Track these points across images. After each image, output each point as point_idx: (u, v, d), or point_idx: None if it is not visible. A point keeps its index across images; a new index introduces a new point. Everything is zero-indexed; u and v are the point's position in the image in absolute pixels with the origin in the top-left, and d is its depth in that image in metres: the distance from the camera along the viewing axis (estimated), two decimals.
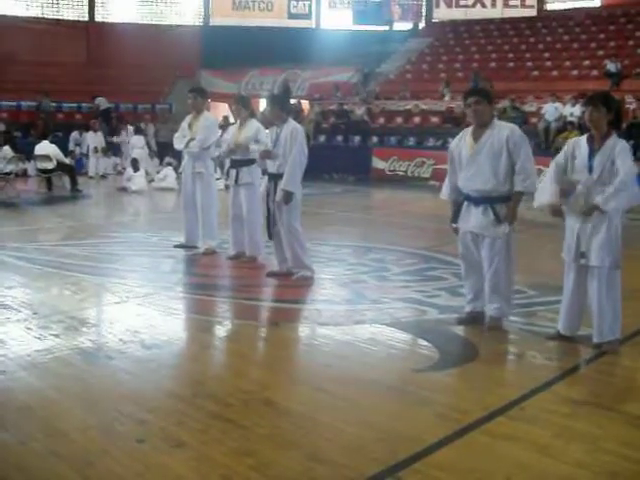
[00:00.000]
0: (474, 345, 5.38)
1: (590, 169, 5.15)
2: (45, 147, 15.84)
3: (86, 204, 15.13)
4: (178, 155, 11.12)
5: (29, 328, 5.61)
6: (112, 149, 21.07)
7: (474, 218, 5.71)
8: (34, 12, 29.43)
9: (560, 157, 5.37)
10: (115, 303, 6.57)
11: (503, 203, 5.62)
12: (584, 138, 5.30)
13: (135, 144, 19.49)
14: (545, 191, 5.38)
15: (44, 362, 4.86)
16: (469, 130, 5.81)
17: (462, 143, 5.83)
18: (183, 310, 6.56)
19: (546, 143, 18.47)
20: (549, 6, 28.74)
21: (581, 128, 16.82)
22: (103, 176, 19.87)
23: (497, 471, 3.47)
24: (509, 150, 5.53)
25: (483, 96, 5.71)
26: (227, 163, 8.72)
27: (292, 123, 7.37)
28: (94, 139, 19.93)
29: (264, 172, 7.59)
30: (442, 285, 7.27)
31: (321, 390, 4.49)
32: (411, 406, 4.25)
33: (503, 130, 5.61)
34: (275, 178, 7.27)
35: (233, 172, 8.33)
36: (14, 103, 24.97)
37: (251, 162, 8.16)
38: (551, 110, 19.09)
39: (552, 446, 3.72)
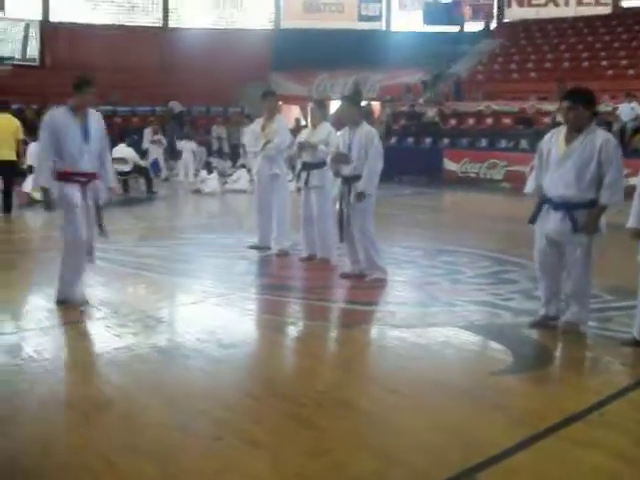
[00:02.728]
0: (549, 349, 5.33)
1: None
2: (121, 150, 16.21)
3: (161, 206, 15.44)
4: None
5: (109, 326, 5.77)
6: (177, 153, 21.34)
7: (553, 223, 5.62)
8: (110, 19, 30.17)
9: None
10: (191, 303, 6.70)
11: (584, 210, 5.51)
12: None
13: (183, 148, 20.01)
14: (631, 214, 5.32)
15: (124, 359, 4.99)
16: (563, 130, 5.65)
17: (553, 142, 5.67)
18: (257, 311, 6.65)
19: (622, 144, 18.03)
20: (625, 3, 28.05)
21: None
22: (166, 179, 20.17)
23: (574, 477, 3.44)
24: (600, 160, 5.38)
25: (578, 100, 5.52)
26: (298, 165, 8.79)
27: (366, 126, 7.40)
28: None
29: (336, 175, 7.62)
30: (516, 288, 7.20)
31: (395, 392, 4.51)
32: (486, 410, 4.23)
33: (597, 138, 5.44)
34: (349, 181, 7.31)
35: (304, 174, 8.40)
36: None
37: (322, 165, 8.21)
38: (627, 110, 18.64)
39: (631, 453, 3.66)
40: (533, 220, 5.85)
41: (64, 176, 6.20)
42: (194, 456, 3.59)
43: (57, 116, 6.28)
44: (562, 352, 5.25)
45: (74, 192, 6.20)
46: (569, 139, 5.54)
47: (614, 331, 5.77)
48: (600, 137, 5.47)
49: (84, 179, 6.28)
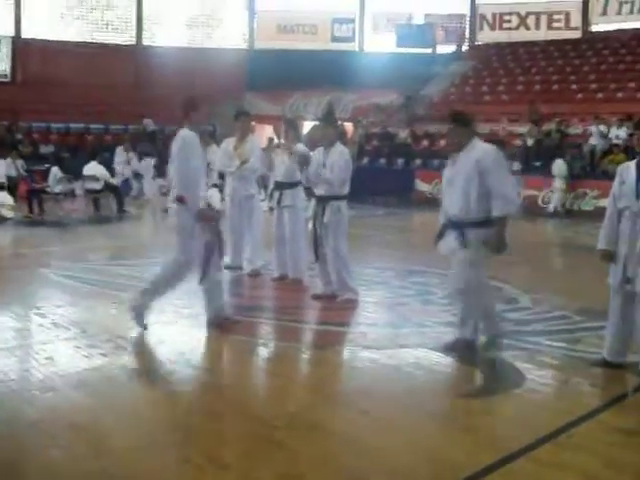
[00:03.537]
0: (519, 371, 5.34)
1: (637, 195, 5.10)
2: (93, 168, 16.12)
3: (132, 225, 15.35)
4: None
5: (78, 347, 5.72)
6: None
7: (447, 242, 5.69)
8: (83, 37, 30.06)
9: (614, 189, 5.34)
10: (161, 323, 6.64)
11: (474, 228, 5.50)
12: (634, 163, 5.26)
13: (145, 165, 20.19)
14: (601, 235, 5.38)
15: (93, 381, 4.94)
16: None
17: (447, 166, 5.84)
18: (229, 331, 6.61)
19: (592, 166, 18.30)
20: (594, 28, 28.51)
21: (627, 150, 16.68)
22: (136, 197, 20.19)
23: None
24: (480, 174, 5.42)
25: (454, 120, 5.70)
26: (271, 185, 8.79)
27: (340, 146, 7.46)
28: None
29: (310, 195, 7.63)
30: None
31: (366, 413, 4.50)
32: (456, 431, 4.24)
33: (476, 153, 5.51)
34: (323, 201, 7.33)
35: (276, 194, 8.41)
36: (63, 125, 25.48)
37: (295, 184, 8.23)
38: (596, 133, 18.92)
39: (601, 476, 3.68)
40: (436, 242, 5.86)
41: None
42: (163, 479, 3.55)
43: (191, 138, 6.29)
44: (532, 373, 5.26)
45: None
46: (453, 161, 5.68)
47: (583, 352, 5.82)
48: (479, 151, 5.55)
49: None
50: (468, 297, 5.66)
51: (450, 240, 5.63)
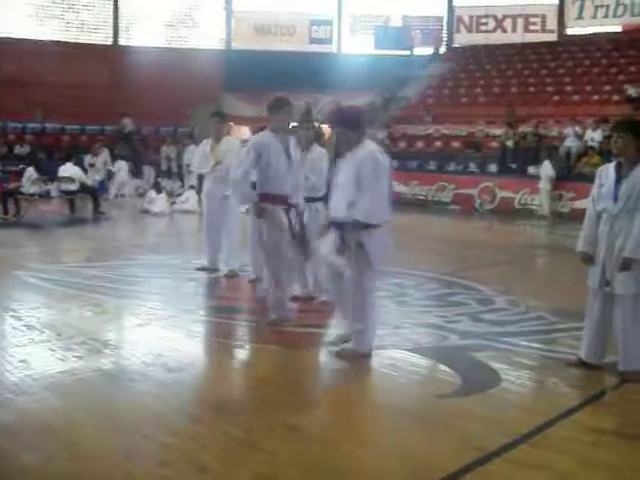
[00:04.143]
0: (495, 371, 5.36)
1: (615, 197, 5.14)
2: (68, 169, 15.99)
3: (108, 226, 15.23)
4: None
5: (52, 349, 5.66)
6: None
7: (328, 244, 5.62)
8: (59, 36, 29.83)
9: (593, 191, 5.37)
10: (137, 325, 6.61)
11: (356, 231, 5.43)
12: (612, 165, 5.30)
13: (119, 167, 20.17)
14: (580, 237, 5.41)
15: (67, 384, 4.89)
16: None
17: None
18: (205, 333, 6.59)
19: (567, 168, 18.43)
20: (569, 31, 28.74)
21: (602, 153, 16.82)
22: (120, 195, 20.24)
23: None
24: (358, 175, 5.37)
25: (340, 123, 5.58)
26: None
27: (317, 148, 7.46)
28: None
29: None
30: (463, 310, 7.25)
31: (343, 415, 4.50)
32: (433, 432, 4.24)
33: (360, 155, 5.43)
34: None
35: None
36: (39, 125, 25.28)
37: None
38: (572, 135, 19.07)
39: (576, 475, 3.70)
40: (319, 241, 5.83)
41: (269, 199, 6.36)
42: None
43: (263, 139, 6.42)
44: (509, 374, 5.28)
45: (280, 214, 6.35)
46: (344, 160, 5.59)
47: (560, 352, 5.85)
48: (362, 153, 5.45)
49: (287, 202, 6.47)
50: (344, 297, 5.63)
51: (331, 242, 5.57)
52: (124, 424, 4.25)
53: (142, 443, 3.98)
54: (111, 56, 30.00)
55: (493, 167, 19.99)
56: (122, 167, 20.81)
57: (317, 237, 7.24)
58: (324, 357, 5.91)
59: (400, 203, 19.71)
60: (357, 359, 5.53)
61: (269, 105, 6.47)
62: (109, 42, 30.88)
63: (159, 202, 16.66)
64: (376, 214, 5.41)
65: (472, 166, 20.50)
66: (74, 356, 5.48)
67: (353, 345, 5.63)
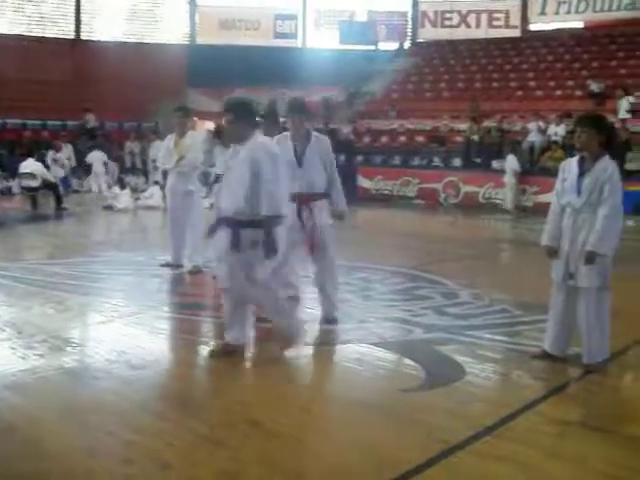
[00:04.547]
0: (460, 365, 5.38)
1: (579, 191, 5.18)
2: (30, 165, 15.79)
3: (71, 222, 15.05)
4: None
5: (13, 348, 5.57)
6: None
7: (218, 239, 5.40)
8: (19, 30, 29.38)
9: (557, 185, 5.41)
10: (100, 323, 6.54)
11: (247, 228, 5.18)
12: (575, 159, 5.33)
13: (93, 159, 19.92)
14: (545, 231, 5.43)
15: (29, 382, 4.82)
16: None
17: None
18: (169, 330, 6.54)
19: (531, 162, 18.59)
20: (533, 27, 28.96)
21: (565, 147, 16.99)
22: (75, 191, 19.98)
23: None
24: (253, 169, 5.11)
25: (232, 112, 5.28)
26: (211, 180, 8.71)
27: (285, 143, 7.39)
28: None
29: None
30: (428, 304, 7.27)
31: (307, 411, 4.48)
32: (398, 426, 4.24)
33: (253, 147, 5.18)
34: None
35: (217, 188, 8.33)
36: None
37: None
38: (535, 129, 19.24)
39: (540, 466, 3.72)
40: (207, 238, 5.67)
41: None
42: None
43: (281, 142, 6.29)
44: (473, 367, 5.31)
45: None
46: (235, 152, 5.31)
47: (524, 345, 5.88)
48: (256, 146, 5.22)
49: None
50: (237, 298, 5.40)
51: (222, 238, 5.34)
52: (87, 422, 4.19)
53: (105, 441, 3.93)
54: (73, 50, 29.63)
55: (457, 162, 20.09)
56: (97, 158, 20.36)
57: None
58: (288, 352, 5.88)
59: (365, 198, 19.84)
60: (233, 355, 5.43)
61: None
62: (71, 36, 30.49)
63: (123, 198, 16.51)
64: (283, 206, 5.18)
65: (436, 161, 20.59)
66: (35, 354, 5.40)
67: (287, 337, 5.55)
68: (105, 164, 20.51)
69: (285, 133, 6.61)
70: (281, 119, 8.48)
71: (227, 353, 5.48)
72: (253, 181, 5.12)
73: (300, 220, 6.49)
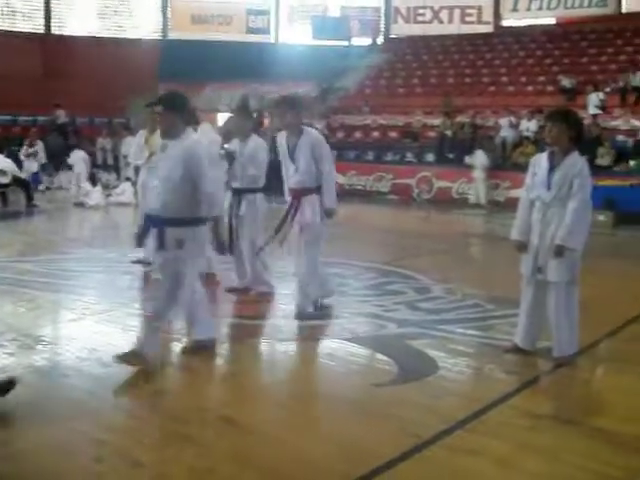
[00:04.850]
0: (432, 359, 5.40)
1: (549, 186, 5.21)
2: (0, 161, 15.58)
3: (42, 219, 14.91)
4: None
5: None
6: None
7: (148, 239, 5.22)
8: None
9: (527, 179, 5.44)
10: (71, 320, 6.47)
11: (175, 227, 4.97)
12: (545, 154, 5.36)
13: (75, 157, 19.63)
14: (514, 225, 5.45)
15: None
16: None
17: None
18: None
19: (503, 158, 18.70)
20: (505, 22, 29.11)
21: (537, 143, 17.11)
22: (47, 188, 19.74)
23: None
24: (186, 167, 4.90)
25: (164, 104, 5.06)
26: None
27: (256, 138, 7.37)
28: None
29: (226, 187, 7.54)
30: (400, 299, 7.28)
31: (281, 406, 4.47)
32: (371, 421, 4.24)
33: (185, 144, 4.97)
34: (239, 193, 7.23)
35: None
36: None
37: None
38: (507, 125, 19.36)
39: (512, 459, 3.74)
40: (137, 240, 5.39)
41: None
42: None
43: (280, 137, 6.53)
44: (445, 362, 5.33)
45: None
46: (163, 148, 5.12)
47: (496, 339, 5.92)
48: (188, 143, 5.01)
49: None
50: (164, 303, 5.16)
51: (151, 238, 5.16)
52: (57, 421, 4.14)
53: (75, 439, 3.90)
54: (43, 45, 29.31)
55: (430, 157, 20.15)
56: (79, 158, 20.01)
57: (253, 228, 7.22)
58: (261, 349, 5.88)
59: (338, 194, 19.82)
60: (205, 351, 5.35)
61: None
62: (41, 31, 30.16)
63: (94, 195, 16.35)
64: (218, 205, 5.12)
65: (410, 156, 20.63)
66: (5, 353, 5.34)
67: (198, 337, 5.41)
68: (86, 164, 20.26)
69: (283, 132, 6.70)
70: (255, 114, 8.46)
71: (199, 350, 5.43)
72: (183, 179, 4.89)
73: (289, 214, 6.58)
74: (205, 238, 5.18)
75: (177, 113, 5.03)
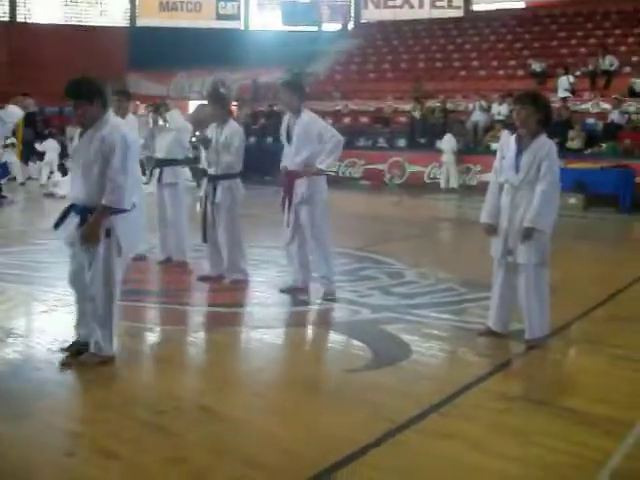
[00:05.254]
0: (406, 343, 5.42)
1: (517, 169, 5.24)
2: None
3: (11, 211, 14.72)
4: None
5: None
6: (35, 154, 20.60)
7: (70, 227, 4.97)
8: None
9: (496, 163, 5.46)
10: (43, 312, 6.41)
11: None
12: (513, 137, 5.38)
13: (47, 147, 19.38)
14: (483, 209, 5.47)
15: None
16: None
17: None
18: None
19: (475, 142, 18.78)
20: (475, 7, 29.15)
21: (508, 126, 17.20)
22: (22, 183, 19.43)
23: (431, 469, 3.50)
24: (103, 155, 4.69)
25: (70, 96, 4.88)
26: (149, 163, 8.62)
27: (233, 123, 7.32)
28: None
29: (203, 174, 7.50)
30: (374, 284, 7.30)
31: (255, 394, 4.46)
32: (345, 407, 4.24)
33: (104, 132, 4.73)
34: (214, 180, 7.19)
35: (156, 172, 8.26)
36: None
37: (175, 162, 8.22)
38: (478, 109, 19.44)
39: (485, 442, 3.76)
40: (56, 227, 5.11)
41: None
42: (47, 475, 3.42)
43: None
44: (419, 346, 5.35)
45: None
46: (82, 135, 4.90)
47: (469, 322, 5.96)
48: (107, 130, 4.77)
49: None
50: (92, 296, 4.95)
51: (72, 226, 4.95)
52: (29, 414, 4.10)
53: (47, 433, 3.85)
54: (9, 33, 28.90)
55: (402, 142, 20.20)
56: (51, 147, 19.78)
57: (230, 214, 7.18)
58: (234, 337, 5.86)
59: None
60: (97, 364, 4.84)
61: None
62: (6, 18, 29.71)
63: (64, 185, 16.16)
64: (127, 197, 4.82)
65: (381, 141, 20.67)
66: None
67: (93, 350, 4.90)
68: (57, 153, 20.02)
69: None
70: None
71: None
72: (104, 165, 4.70)
73: (285, 196, 6.69)
74: (135, 224, 5.06)
75: (86, 101, 4.79)
